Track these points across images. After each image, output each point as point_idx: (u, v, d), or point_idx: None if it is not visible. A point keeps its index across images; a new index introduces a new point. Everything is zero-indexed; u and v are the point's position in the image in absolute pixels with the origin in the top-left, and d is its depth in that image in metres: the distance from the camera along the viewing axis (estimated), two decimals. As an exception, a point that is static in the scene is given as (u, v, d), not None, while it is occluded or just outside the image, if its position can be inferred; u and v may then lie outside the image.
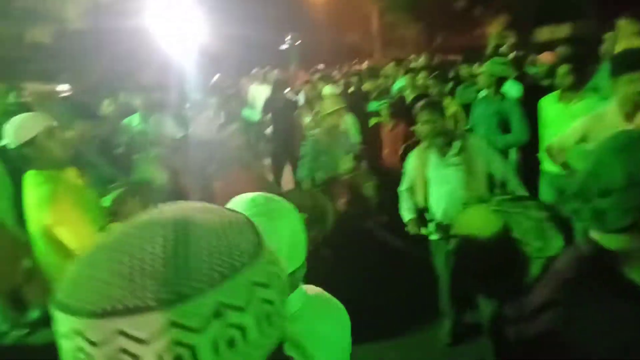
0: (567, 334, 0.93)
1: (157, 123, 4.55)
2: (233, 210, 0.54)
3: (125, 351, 0.41)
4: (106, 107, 5.47)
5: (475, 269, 2.80)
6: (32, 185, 2.16)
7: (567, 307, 0.96)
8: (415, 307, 3.48)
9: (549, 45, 7.80)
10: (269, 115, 5.81)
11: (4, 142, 3.93)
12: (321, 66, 11.77)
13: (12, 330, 3.61)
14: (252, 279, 0.47)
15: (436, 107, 2.96)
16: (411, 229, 3.13)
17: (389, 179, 5.31)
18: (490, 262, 2.59)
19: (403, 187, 3.29)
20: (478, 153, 2.92)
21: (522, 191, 2.89)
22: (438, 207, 3.00)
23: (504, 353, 1.12)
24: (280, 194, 3.55)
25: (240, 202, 1.06)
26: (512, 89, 4.51)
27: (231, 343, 0.44)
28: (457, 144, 2.93)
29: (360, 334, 3.31)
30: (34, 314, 3.73)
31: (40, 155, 2.16)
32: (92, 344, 0.41)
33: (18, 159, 2.19)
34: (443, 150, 2.96)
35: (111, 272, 0.43)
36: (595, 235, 1.00)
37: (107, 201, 2.55)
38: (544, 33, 17.24)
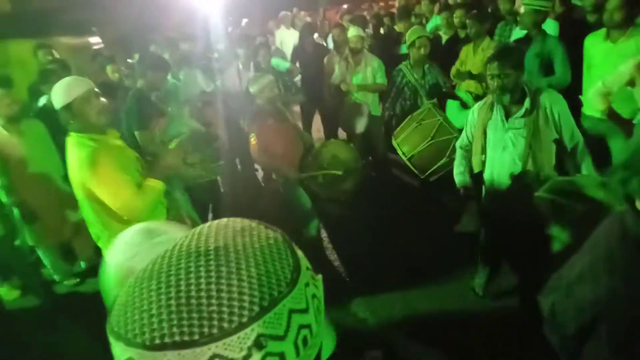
0: (609, 306, 0.92)
1: (187, 77, 4.55)
2: (271, 228, 0.56)
3: None
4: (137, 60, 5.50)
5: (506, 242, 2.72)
6: (73, 147, 2.23)
7: (609, 280, 0.94)
8: (449, 258, 3.50)
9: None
10: (298, 63, 5.69)
11: (42, 103, 4.05)
12: (345, 6, 11.29)
13: (63, 280, 3.90)
14: (291, 307, 0.49)
15: (510, 58, 2.48)
16: (463, 195, 2.92)
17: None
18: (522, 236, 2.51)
19: (458, 143, 3.04)
20: (549, 118, 2.49)
21: (591, 172, 2.53)
22: (490, 171, 2.77)
23: (537, 324, 1.12)
24: (321, 145, 3.49)
25: (120, 248, 1.00)
26: (549, 26, 4.19)
27: None
28: (526, 104, 2.51)
29: (392, 283, 3.41)
30: (83, 265, 4.01)
31: (78, 118, 2.22)
32: None
33: (61, 121, 2.28)
34: (509, 110, 2.59)
35: (159, 304, 0.46)
36: (640, 206, 0.95)
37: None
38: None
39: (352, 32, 4.78)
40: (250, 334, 0.45)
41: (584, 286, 0.97)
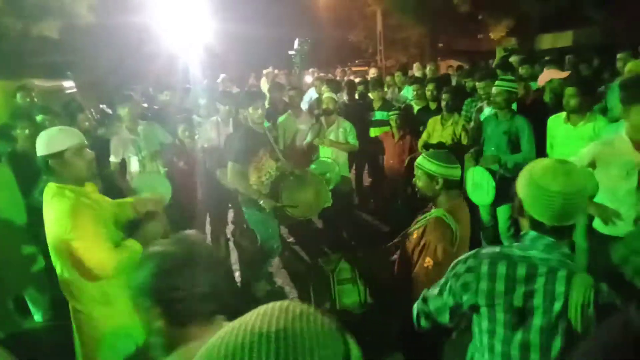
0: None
1: (145, 132, 4.34)
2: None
3: None
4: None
5: None
6: (52, 197, 2.16)
7: None
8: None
9: (551, 54, 7.76)
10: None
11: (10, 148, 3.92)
12: (312, 70, 11.93)
13: (12, 332, 3.57)
14: None
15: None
16: None
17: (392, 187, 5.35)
18: None
19: None
20: None
21: None
22: None
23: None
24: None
25: None
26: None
27: None
28: None
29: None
30: (37, 319, 3.75)
31: (64, 169, 2.16)
32: None
33: (43, 168, 2.20)
34: None
35: None
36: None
37: None
38: (546, 41, 17.25)
39: (326, 94, 4.95)
40: None
41: None
